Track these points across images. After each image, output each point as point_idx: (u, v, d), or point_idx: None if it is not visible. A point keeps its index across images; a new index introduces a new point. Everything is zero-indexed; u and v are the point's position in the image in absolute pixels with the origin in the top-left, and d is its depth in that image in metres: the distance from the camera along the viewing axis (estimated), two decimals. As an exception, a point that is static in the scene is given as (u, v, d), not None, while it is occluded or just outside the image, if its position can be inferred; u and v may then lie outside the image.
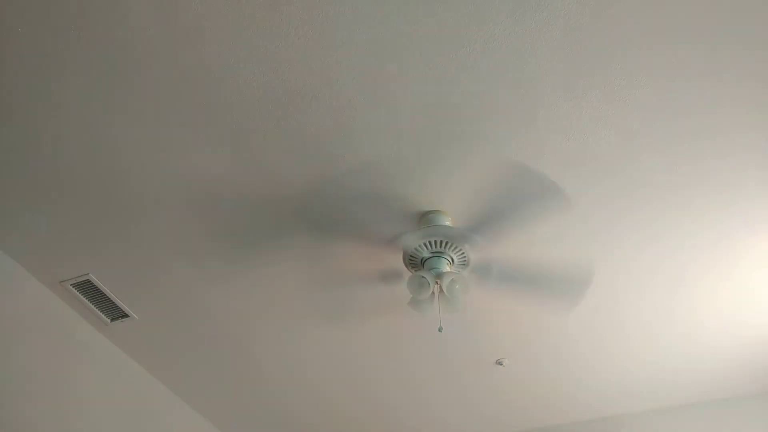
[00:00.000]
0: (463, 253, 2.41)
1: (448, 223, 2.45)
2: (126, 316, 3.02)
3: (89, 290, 2.88)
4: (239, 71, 1.99)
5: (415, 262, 2.45)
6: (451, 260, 2.41)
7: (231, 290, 2.87)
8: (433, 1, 1.79)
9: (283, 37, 1.89)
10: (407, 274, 2.57)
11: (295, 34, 1.88)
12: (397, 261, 2.61)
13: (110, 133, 2.20)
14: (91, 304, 2.96)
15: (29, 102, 2.10)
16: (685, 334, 3.05)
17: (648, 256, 2.62)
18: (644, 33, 1.86)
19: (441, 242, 2.37)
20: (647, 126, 2.13)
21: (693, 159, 2.23)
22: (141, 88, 2.05)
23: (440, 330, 2.38)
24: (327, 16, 1.84)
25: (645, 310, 2.90)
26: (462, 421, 3.83)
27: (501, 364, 3.30)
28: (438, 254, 2.39)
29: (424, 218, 2.45)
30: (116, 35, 1.89)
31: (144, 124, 2.16)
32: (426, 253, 2.39)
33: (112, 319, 3.06)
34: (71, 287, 2.86)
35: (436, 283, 2.35)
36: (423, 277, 2.33)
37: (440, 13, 1.82)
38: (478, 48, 1.91)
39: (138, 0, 1.80)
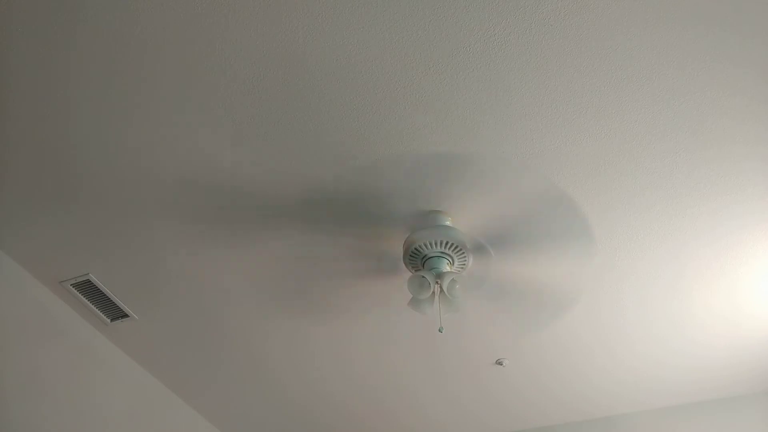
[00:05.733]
0: (459, 248, 2.40)
1: (448, 223, 2.44)
2: (126, 316, 3.02)
3: (89, 290, 2.88)
4: (248, 69, 1.99)
5: (415, 262, 2.44)
6: (450, 259, 2.41)
7: (231, 290, 2.87)
8: (436, 4, 1.79)
9: (291, 34, 1.89)
10: (407, 274, 2.57)
11: (303, 33, 1.88)
12: (398, 261, 2.61)
13: (110, 133, 2.20)
14: (91, 304, 2.96)
15: (30, 102, 2.10)
16: (685, 335, 3.05)
17: (649, 259, 2.62)
18: (648, 33, 1.87)
19: (434, 242, 2.36)
20: (648, 132, 2.13)
21: (692, 162, 2.23)
22: (143, 88, 2.05)
23: (441, 330, 2.38)
24: (331, 16, 1.84)
25: (646, 311, 2.90)
26: (462, 420, 3.83)
27: (501, 364, 3.30)
28: (435, 254, 2.39)
29: (428, 217, 2.45)
30: (124, 31, 1.89)
31: (144, 124, 2.16)
32: (431, 252, 2.38)
33: (112, 319, 3.05)
34: (71, 287, 2.86)
35: (437, 283, 2.35)
36: (423, 277, 2.33)
37: (441, 15, 1.82)
38: (478, 48, 1.91)
39: None
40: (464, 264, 2.46)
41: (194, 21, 1.85)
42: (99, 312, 3.00)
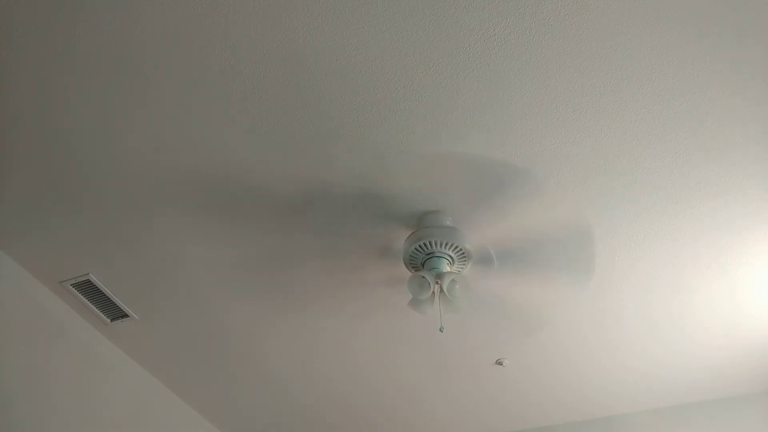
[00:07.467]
0: (459, 249, 2.40)
1: (448, 223, 2.44)
2: (126, 316, 3.02)
3: (89, 290, 2.88)
4: (248, 69, 1.99)
5: (415, 262, 2.45)
6: (450, 259, 2.41)
7: (231, 290, 2.87)
8: (436, 4, 1.79)
9: (291, 34, 1.89)
10: (408, 274, 2.57)
11: (303, 33, 1.88)
12: (398, 261, 2.61)
13: (110, 133, 2.20)
14: (91, 304, 2.96)
15: (30, 102, 2.09)
16: (685, 335, 3.05)
17: (649, 259, 2.62)
18: (648, 33, 1.87)
19: (434, 242, 2.36)
20: (648, 132, 2.13)
21: (692, 162, 2.23)
22: (143, 88, 2.04)
23: (441, 330, 2.38)
24: (331, 16, 1.84)
25: (646, 311, 2.90)
26: (462, 419, 3.83)
27: (501, 364, 3.30)
28: (435, 255, 2.39)
29: (428, 217, 2.45)
30: (124, 31, 1.89)
31: (144, 124, 2.16)
32: (431, 252, 2.39)
33: (112, 319, 3.05)
34: (71, 287, 2.86)
35: (437, 283, 2.35)
36: (423, 277, 2.33)
37: (441, 15, 1.82)
38: (478, 48, 1.91)
39: None
40: (464, 264, 2.46)
41: (194, 21, 1.85)
42: (99, 312, 3.00)
